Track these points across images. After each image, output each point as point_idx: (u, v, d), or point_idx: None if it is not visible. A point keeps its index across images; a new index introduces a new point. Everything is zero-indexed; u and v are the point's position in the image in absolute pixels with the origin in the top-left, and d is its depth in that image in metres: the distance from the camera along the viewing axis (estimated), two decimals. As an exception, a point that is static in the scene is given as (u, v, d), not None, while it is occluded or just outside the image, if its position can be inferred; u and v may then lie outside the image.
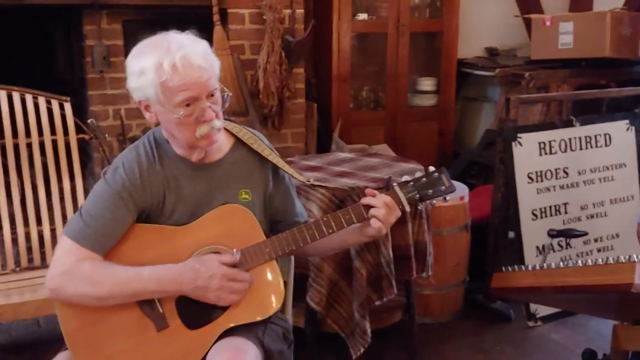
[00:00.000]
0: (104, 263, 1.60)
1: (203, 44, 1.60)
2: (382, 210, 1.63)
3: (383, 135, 4.23)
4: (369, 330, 2.48)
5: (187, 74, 1.53)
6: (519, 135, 3.04)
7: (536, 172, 3.10)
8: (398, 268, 2.53)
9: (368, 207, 1.66)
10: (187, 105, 1.55)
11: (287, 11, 3.75)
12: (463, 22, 4.36)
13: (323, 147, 4.02)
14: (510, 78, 4.17)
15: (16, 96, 2.76)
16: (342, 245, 1.83)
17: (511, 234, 3.18)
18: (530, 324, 3.11)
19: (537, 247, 3.07)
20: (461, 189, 3.09)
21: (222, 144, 1.73)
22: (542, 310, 3.10)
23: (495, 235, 3.19)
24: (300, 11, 3.80)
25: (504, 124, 3.05)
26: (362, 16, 4.14)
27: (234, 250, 1.64)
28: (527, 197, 3.07)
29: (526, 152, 3.06)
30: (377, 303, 2.54)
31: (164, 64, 1.52)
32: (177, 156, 1.68)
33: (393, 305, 2.82)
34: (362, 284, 2.47)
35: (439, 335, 3.04)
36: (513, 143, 3.03)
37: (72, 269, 1.57)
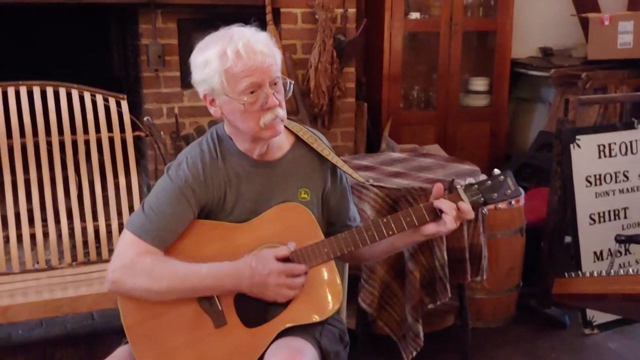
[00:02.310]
0: (164, 258, 1.61)
1: (264, 33, 1.62)
2: (447, 216, 1.61)
3: (433, 136, 4.18)
4: (421, 334, 2.45)
5: (250, 59, 1.54)
6: (577, 137, 2.96)
7: (595, 176, 3.02)
8: (452, 271, 2.50)
9: (431, 209, 1.63)
10: (252, 92, 1.56)
11: (340, 10, 3.74)
12: (517, 21, 4.29)
13: (372, 146, 4.00)
14: (566, 79, 4.08)
15: (75, 94, 2.81)
16: (390, 249, 1.78)
17: (567, 239, 3.10)
18: (587, 331, 3.03)
19: (595, 253, 2.99)
20: (516, 192, 3.03)
21: (283, 143, 1.73)
22: (599, 317, 3.01)
23: (550, 239, 3.12)
24: (352, 10, 3.79)
25: (562, 126, 2.98)
26: (415, 15, 4.10)
27: (290, 243, 1.63)
28: (585, 200, 2.99)
29: (585, 154, 2.98)
30: (430, 306, 2.51)
31: (227, 51, 1.54)
32: (239, 152, 1.69)
33: (445, 309, 2.78)
34: (415, 286, 2.44)
35: (492, 340, 2.98)
36: (571, 145, 2.95)
37: (132, 263, 1.59)
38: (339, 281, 1.67)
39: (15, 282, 2.59)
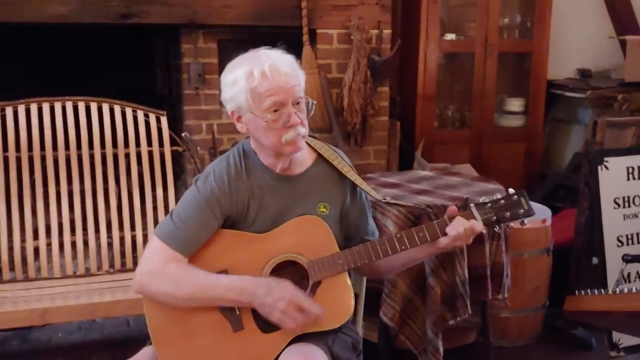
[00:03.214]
0: (188, 266, 1.71)
1: (290, 56, 1.72)
2: (459, 231, 1.68)
3: (467, 155, 4.21)
4: (441, 349, 2.49)
5: (274, 80, 1.65)
6: (605, 159, 2.97)
7: (623, 198, 3.02)
8: (473, 288, 2.53)
9: (444, 226, 1.70)
10: (275, 110, 1.66)
11: (375, 31, 3.83)
12: (554, 42, 4.30)
13: (405, 164, 4.05)
14: (603, 100, 4.06)
15: (117, 109, 2.97)
16: (406, 263, 1.86)
17: (595, 260, 3.10)
18: (613, 354, 3.01)
19: (622, 274, 2.98)
20: (544, 212, 3.05)
21: (305, 159, 1.82)
22: (626, 340, 2.99)
23: (577, 260, 3.12)
24: (387, 31, 3.87)
25: (590, 147, 3.00)
26: (450, 36, 4.16)
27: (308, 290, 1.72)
28: (613, 222, 2.99)
29: (613, 176, 2.99)
30: (451, 322, 2.55)
31: (254, 72, 1.65)
32: (263, 166, 1.78)
33: (467, 325, 2.81)
34: (436, 302, 2.48)
35: (516, 359, 2.99)
36: (599, 167, 2.97)
37: (159, 268, 1.69)
38: (351, 292, 1.74)
39: (55, 286, 2.74)
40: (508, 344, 3.07)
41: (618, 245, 2.99)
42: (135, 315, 3.15)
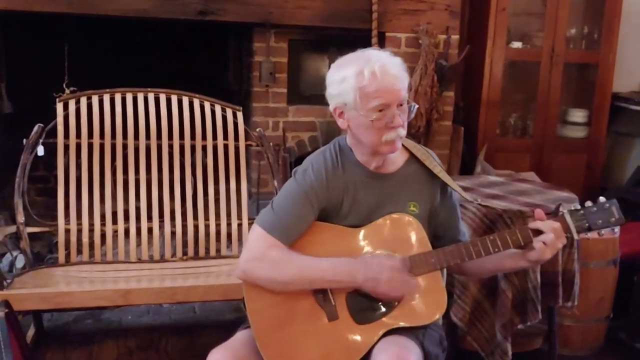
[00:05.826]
0: (289, 252, 1.77)
1: (398, 58, 1.77)
2: (550, 235, 1.71)
3: (528, 163, 4.22)
4: (510, 352, 2.52)
5: (383, 81, 1.69)
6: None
7: (696, 213, 3.00)
8: (544, 294, 2.55)
9: (536, 230, 1.73)
10: (380, 110, 1.71)
11: (443, 36, 3.87)
12: (622, 55, 4.29)
13: (466, 169, 4.08)
14: (668, 115, 4.05)
15: (196, 103, 3.06)
16: (498, 268, 1.89)
17: (662, 274, 3.09)
18: (677, 369, 3.00)
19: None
20: (612, 223, 3.04)
21: (397, 158, 1.87)
22: (692, 356, 2.98)
23: (644, 273, 3.11)
24: (455, 37, 3.91)
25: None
26: (516, 44, 4.18)
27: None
28: (683, 237, 2.98)
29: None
30: (520, 327, 2.57)
31: (365, 71, 1.70)
32: (357, 163, 1.85)
33: (533, 331, 2.83)
34: (507, 305, 2.51)
35: (578, 369, 3.00)
36: (672, 181, 2.96)
37: (261, 255, 1.76)
38: (444, 290, 1.80)
39: (131, 270, 2.82)
40: (569, 353, 3.06)
41: (688, 261, 2.98)
42: (201, 302, 3.25)
